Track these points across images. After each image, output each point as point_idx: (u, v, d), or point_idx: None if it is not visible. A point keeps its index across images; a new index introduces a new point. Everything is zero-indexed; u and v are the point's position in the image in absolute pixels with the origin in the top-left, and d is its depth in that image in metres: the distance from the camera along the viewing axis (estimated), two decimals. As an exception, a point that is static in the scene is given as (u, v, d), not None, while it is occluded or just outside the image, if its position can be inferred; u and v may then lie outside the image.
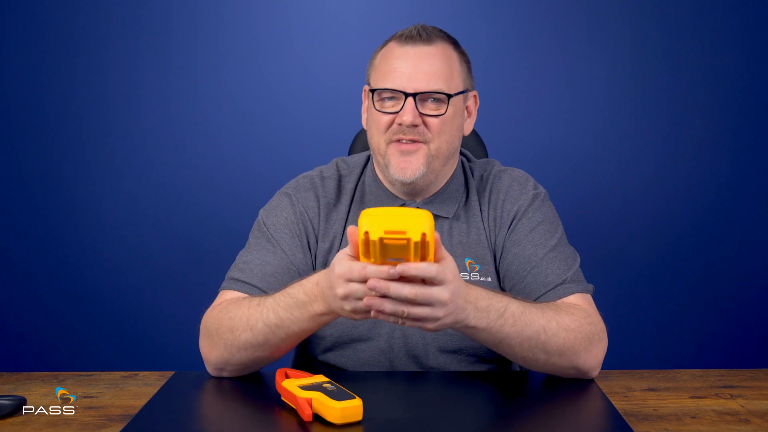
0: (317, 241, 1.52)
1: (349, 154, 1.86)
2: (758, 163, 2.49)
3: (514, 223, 1.50)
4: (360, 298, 1.17)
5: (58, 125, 2.51)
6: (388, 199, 1.53)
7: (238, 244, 1.55)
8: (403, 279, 1.14)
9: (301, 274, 1.48)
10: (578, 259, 1.49)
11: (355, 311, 1.20)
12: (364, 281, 1.15)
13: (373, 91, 1.47)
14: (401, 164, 1.46)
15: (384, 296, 1.15)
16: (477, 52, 2.50)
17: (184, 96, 2.51)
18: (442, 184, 1.53)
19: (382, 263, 1.14)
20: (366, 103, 1.53)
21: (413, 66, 1.44)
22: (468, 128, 1.54)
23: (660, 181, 2.50)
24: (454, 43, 1.51)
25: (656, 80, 2.48)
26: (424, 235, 1.10)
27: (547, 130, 2.49)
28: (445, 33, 1.51)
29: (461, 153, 1.61)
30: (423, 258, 1.13)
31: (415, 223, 1.10)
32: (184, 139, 2.52)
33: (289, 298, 1.31)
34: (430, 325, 1.19)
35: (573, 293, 1.43)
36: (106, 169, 2.52)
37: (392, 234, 1.10)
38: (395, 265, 1.13)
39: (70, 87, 2.50)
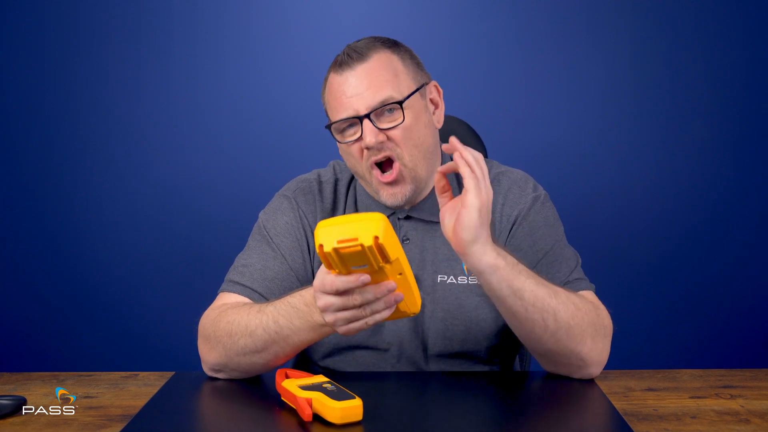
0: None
1: (349, 154, 1.85)
2: (758, 163, 2.49)
3: (514, 227, 1.48)
4: (338, 310, 1.17)
5: (58, 125, 2.51)
6: (378, 207, 1.52)
7: (237, 245, 1.55)
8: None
9: (300, 280, 1.48)
10: (579, 260, 1.48)
11: (335, 323, 1.20)
12: (337, 293, 1.16)
13: (329, 127, 1.46)
14: (390, 192, 1.45)
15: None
16: (476, 51, 2.51)
17: (184, 96, 2.51)
18: (431, 188, 1.51)
19: (348, 273, 1.13)
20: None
21: (355, 87, 1.42)
22: (439, 120, 1.52)
23: (660, 181, 2.50)
24: (392, 46, 1.47)
25: (656, 80, 2.48)
26: (376, 238, 1.08)
27: (547, 130, 2.49)
28: (379, 40, 1.47)
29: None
30: (385, 261, 1.12)
31: (366, 227, 1.09)
32: (184, 140, 2.52)
33: (290, 307, 1.30)
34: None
35: (578, 291, 1.42)
36: (106, 170, 2.52)
37: (345, 243, 1.09)
38: (362, 273, 1.13)
39: (70, 87, 2.50)
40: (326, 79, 1.49)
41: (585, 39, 2.48)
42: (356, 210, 1.53)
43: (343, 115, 1.43)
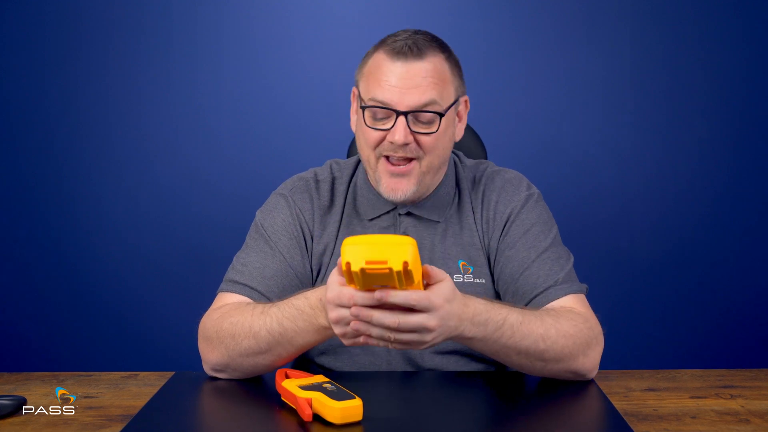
0: (313, 242, 1.52)
1: (348, 154, 1.86)
2: (758, 162, 2.49)
3: (507, 225, 1.49)
4: (350, 323, 1.17)
5: (58, 125, 2.51)
6: (379, 202, 1.52)
7: (237, 245, 1.55)
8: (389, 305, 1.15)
9: (299, 277, 1.49)
10: (571, 259, 1.48)
11: (344, 335, 1.20)
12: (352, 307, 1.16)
13: (363, 107, 1.44)
14: (392, 185, 1.45)
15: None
16: (476, 51, 2.51)
17: (184, 96, 2.51)
18: (434, 188, 1.52)
19: (368, 290, 1.14)
20: (354, 105, 1.50)
21: (404, 83, 1.40)
22: (459, 133, 1.52)
23: (660, 181, 2.50)
24: (446, 51, 1.46)
25: (655, 80, 2.48)
26: (405, 263, 1.09)
27: (547, 129, 2.49)
28: (436, 40, 1.46)
29: (453, 152, 1.60)
30: (409, 283, 1.13)
31: (397, 251, 1.09)
32: (184, 140, 2.52)
33: (294, 309, 1.31)
34: (420, 347, 1.20)
35: (565, 294, 1.42)
36: (106, 170, 2.52)
37: (373, 264, 1.09)
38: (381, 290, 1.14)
39: (70, 87, 2.50)
40: (373, 53, 1.46)
41: (585, 39, 2.48)
42: (355, 208, 1.54)
43: (381, 98, 1.41)
